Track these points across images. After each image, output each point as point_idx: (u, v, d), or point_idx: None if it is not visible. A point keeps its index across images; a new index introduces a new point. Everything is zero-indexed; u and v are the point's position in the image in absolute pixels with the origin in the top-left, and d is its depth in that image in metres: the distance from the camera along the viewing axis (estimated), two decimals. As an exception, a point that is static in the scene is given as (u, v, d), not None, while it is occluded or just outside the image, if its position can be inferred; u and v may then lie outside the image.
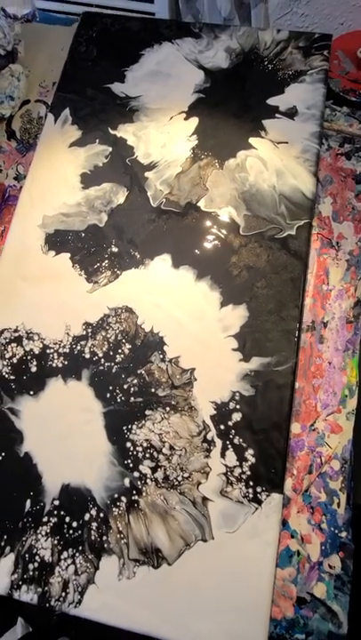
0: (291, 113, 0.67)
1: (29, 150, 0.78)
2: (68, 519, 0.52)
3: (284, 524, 0.57)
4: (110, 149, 0.68)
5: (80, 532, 0.52)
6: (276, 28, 0.83)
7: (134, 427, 0.55)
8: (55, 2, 0.93)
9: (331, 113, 0.79)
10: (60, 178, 0.67)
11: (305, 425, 0.63)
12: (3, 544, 0.52)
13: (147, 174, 0.66)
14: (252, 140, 0.66)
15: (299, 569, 0.56)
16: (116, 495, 0.53)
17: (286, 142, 0.65)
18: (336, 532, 0.57)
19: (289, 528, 0.57)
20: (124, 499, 0.52)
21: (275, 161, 0.64)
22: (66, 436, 0.55)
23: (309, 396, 0.64)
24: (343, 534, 0.58)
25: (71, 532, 0.52)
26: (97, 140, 0.68)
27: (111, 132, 0.69)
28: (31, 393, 0.57)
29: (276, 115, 0.67)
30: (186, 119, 0.68)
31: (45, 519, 0.53)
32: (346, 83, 0.79)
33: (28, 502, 0.53)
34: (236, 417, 0.54)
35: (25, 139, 0.79)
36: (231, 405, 0.55)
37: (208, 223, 0.63)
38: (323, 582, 0.55)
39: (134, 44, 0.73)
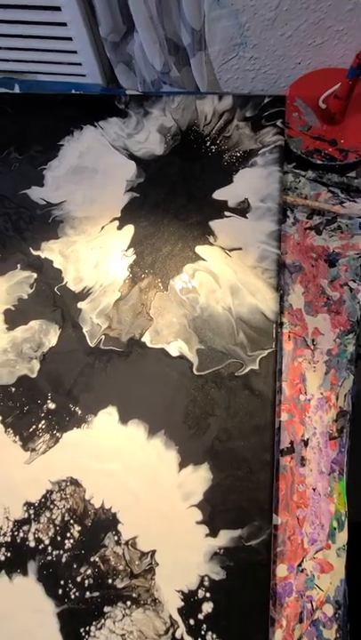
0: (242, 209, 0.56)
1: None
2: None
3: None
4: (35, 275, 0.57)
5: None
6: (221, 73, 0.70)
7: (93, 628, 0.48)
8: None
9: (294, 179, 0.67)
10: (-20, 319, 0.57)
11: (292, 565, 0.56)
12: None
13: (80, 305, 0.56)
14: (199, 249, 0.55)
15: None
16: None
17: (240, 249, 0.54)
18: None
19: None
20: None
21: (228, 274, 0.54)
22: (17, 645, 0.49)
23: (294, 531, 0.57)
24: None
25: None
26: (18, 266, 0.58)
27: (34, 252, 0.58)
28: (-26, 594, 0.50)
29: (226, 213, 0.56)
30: (119, 228, 0.57)
31: None
32: (309, 142, 0.66)
33: None
34: (207, 608, 0.47)
35: None
36: (200, 594, 0.47)
37: (156, 363, 0.53)
38: None
39: (51, 133, 0.61)
